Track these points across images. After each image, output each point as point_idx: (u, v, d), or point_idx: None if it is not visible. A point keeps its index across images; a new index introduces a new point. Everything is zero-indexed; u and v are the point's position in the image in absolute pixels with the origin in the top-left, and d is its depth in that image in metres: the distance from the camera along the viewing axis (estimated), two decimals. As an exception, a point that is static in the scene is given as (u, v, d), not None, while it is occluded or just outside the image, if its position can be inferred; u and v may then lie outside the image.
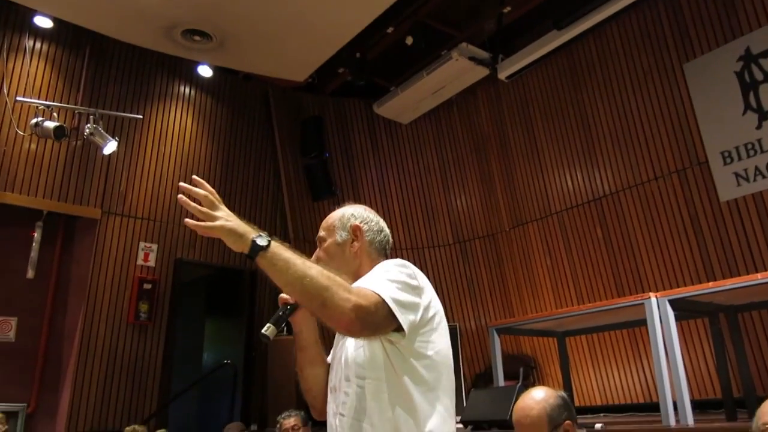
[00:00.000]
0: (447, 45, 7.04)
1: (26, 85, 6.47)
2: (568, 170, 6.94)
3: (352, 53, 7.03)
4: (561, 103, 7.03)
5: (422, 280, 1.66)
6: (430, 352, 1.60)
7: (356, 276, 1.72)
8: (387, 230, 1.92)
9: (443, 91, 7.39)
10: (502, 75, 6.94)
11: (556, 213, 7.01)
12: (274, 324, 1.60)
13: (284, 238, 7.98)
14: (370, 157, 8.35)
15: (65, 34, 6.74)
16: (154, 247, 7.03)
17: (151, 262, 6.98)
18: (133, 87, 7.21)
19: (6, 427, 5.78)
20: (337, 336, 1.80)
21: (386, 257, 1.85)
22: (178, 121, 7.53)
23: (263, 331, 1.59)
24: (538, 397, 2.31)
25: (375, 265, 1.73)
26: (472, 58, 6.82)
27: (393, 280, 1.57)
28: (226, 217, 1.50)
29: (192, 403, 7.83)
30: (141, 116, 7.04)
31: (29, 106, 6.35)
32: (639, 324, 4.66)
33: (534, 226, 7.23)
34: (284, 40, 6.69)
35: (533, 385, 5.67)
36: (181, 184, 1.54)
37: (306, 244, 7.79)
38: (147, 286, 6.83)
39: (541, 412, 2.26)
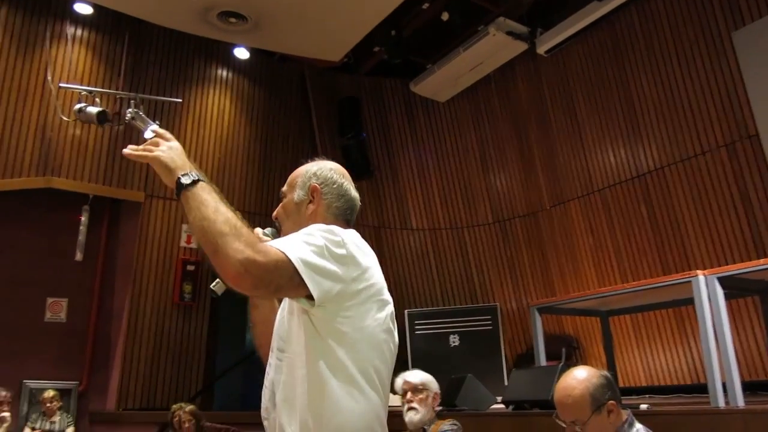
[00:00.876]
0: (484, 20, 6.90)
1: (69, 71, 6.61)
2: (611, 146, 6.77)
3: (387, 31, 6.95)
4: (603, 76, 6.83)
5: (354, 250, 1.53)
6: (347, 329, 1.49)
7: None
8: (352, 196, 1.78)
9: (481, 67, 7.27)
10: (541, 49, 6.78)
11: (599, 190, 6.86)
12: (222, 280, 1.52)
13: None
14: (407, 137, 8.29)
15: (105, 20, 6.85)
16: (196, 229, 7.14)
17: (194, 244, 7.10)
18: (171, 71, 7.29)
19: (60, 404, 6.01)
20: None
21: (348, 226, 1.69)
22: (215, 104, 7.60)
23: (211, 286, 1.58)
24: (580, 377, 2.26)
25: None
26: (509, 33, 6.68)
27: (310, 243, 1.45)
28: (166, 150, 1.51)
29: (237, 382, 7.99)
30: (180, 100, 7.12)
31: (72, 92, 6.48)
32: (686, 303, 4.54)
33: (576, 204, 7.09)
34: (319, 19, 6.66)
35: (576, 365, 5.62)
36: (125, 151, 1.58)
37: (345, 225, 7.80)
38: (190, 268, 6.96)
39: (584, 391, 2.21)
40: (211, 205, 1.41)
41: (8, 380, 5.69)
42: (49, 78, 6.47)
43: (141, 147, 1.54)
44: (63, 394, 6.22)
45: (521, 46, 6.87)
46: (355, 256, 1.52)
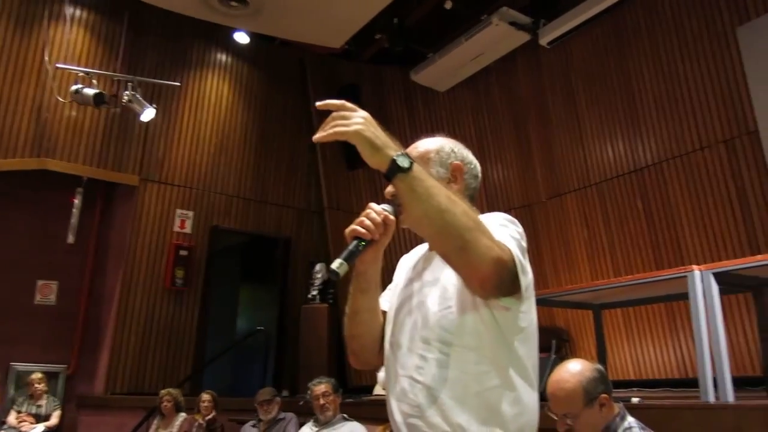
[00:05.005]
0: (487, 9, 6.83)
1: (66, 52, 6.54)
2: (610, 140, 6.74)
3: (389, 19, 6.90)
4: (604, 69, 6.79)
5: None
6: (525, 324, 1.44)
7: None
8: (480, 176, 1.67)
9: (482, 57, 7.21)
10: (544, 41, 6.72)
11: (596, 184, 6.83)
12: (345, 260, 1.38)
13: (318, 207, 8.03)
14: (405, 125, 8.24)
15: (104, 1, 6.77)
16: (190, 214, 7.11)
17: (188, 229, 7.07)
18: (170, 54, 7.23)
19: (47, 387, 5.98)
20: (401, 287, 1.62)
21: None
22: (214, 89, 7.54)
23: (333, 266, 1.35)
24: (573, 370, 2.25)
25: None
26: (512, 23, 6.62)
27: (513, 237, 1.37)
28: (363, 123, 1.30)
29: (226, 368, 7.99)
30: (179, 84, 7.06)
31: (69, 73, 6.42)
32: (679, 298, 4.53)
33: (572, 197, 7.06)
34: (321, 5, 6.59)
35: (565, 358, 5.60)
36: (317, 104, 1.37)
37: (340, 213, 7.78)
38: (183, 253, 6.93)
39: (576, 385, 2.21)
40: (443, 193, 1.28)
41: (-4, 362, 5.67)
42: (46, 58, 6.40)
43: (329, 123, 1.32)
44: (50, 377, 6.21)
45: (524, 37, 6.81)
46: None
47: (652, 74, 6.35)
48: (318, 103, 1.36)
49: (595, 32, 6.82)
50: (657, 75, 6.31)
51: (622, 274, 6.27)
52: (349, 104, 1.34)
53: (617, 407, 2.26)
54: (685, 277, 3.54)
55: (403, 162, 1.27)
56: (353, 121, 1.31)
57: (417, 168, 1.28)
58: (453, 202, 1.27)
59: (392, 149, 1.29)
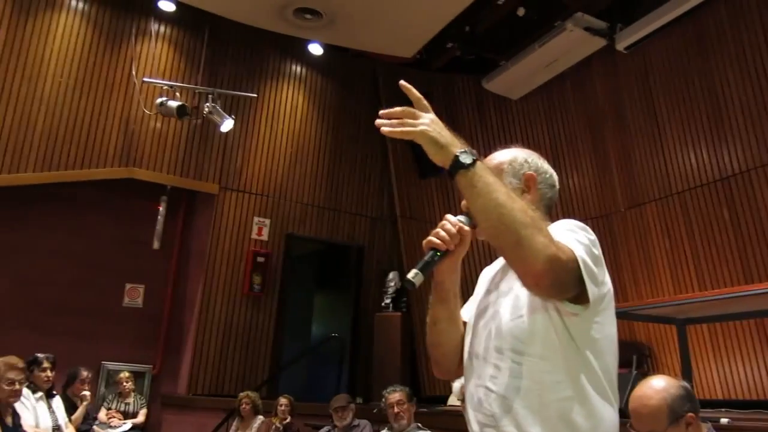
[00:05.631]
0: (561, 15, 6.71)
1: (152, 66, 6.88)
2: (692, 147, 6.47)
3: (461, 27, 6.89)
4: (686, 74, 6.54)
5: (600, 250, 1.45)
6: (599, 336, 1.41)
7: None
8: (557, 186, 1.67)
9: (556, 64, 7.10)
10: (621, 46, 6.55)
11: (678, 193, 6.57)
12: (421, 270, 1.41)
13: (391, 215, 8.08)
14: (477, 134, 8.19)
15: (186, 17, 7.08)
16: (267, 221, 7.31)
17: (264, 236, 7.27)
18: (247, 66, 7.47)
19: (134, 385, 6.27)
20: (480, 297, 1.63)
21: (551, 219, 1.58)
22: (289, 99, 7.74)
23: (409, 276, 1.39)
24: (658, 386, 2.17)
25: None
26: (587, 29, 6.49)
27: (581, 242, 1.36)
28: (429, 123, 1.37)
29: (301, 373, 8.13)
30: (256, 95, 7.28)
31: (154, 86, 6.75)
32: (771, 314, 4.30)
33: (652, 206, 6.82)
34: (393, 15, 6.67)
35: (647, 374, 5.40)
36: (381, 113, 1.42)
37: (412, 222, 7.81)
38: (260, 259, 7.12)
39: (661, 402, 2.12)
40: (502, 190, 1.32)
41: (89, 360, 5.99)
42: (134, 73, 6.75)
43: (398, 121, 1.39)
44: (137, 376, 6.50)
45: (599, 43, 6.67)
46: (602, 257, 1.43)
47: (738, 77, 6.07)
48: (382, 112, 1.42)
49: (675, 35, 6.58)
50: (743, 78, 6.03)
51: (707, 288, 6.00)
52: (421, 103, 1.41)
53: (705, 428, 2.17)
54: (778, 292, 3.36)
55: (466, 159, 1.32)
56: (420, 121, 1.37)
57: (480, 165, 1.33)
58: (512, 199, 1.30)
59: (456, 147, 1.34)
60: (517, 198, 1.33)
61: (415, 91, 1.42)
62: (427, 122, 1.37)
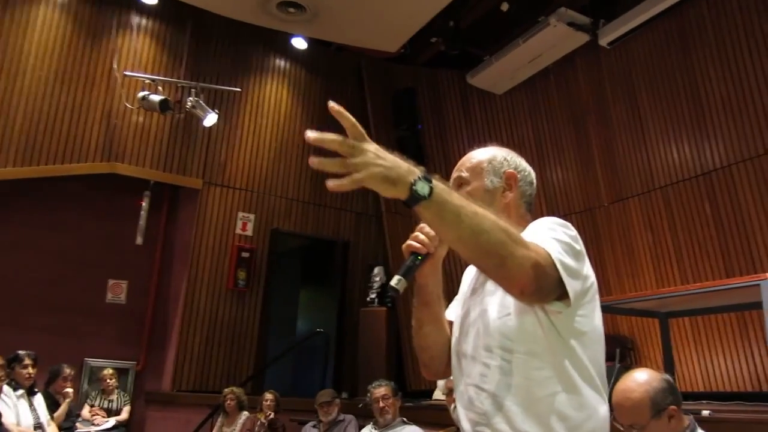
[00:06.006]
0: (544, 10, 6.73)
1: (133, 60, 6.80)
2: (675, 142, 6.53)
3: (445, 22, 6.89)
4: (668, 69, 6.58)
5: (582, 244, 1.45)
6: (586, 329, 1.43)
7: None
8: (535, 183, 1.69)
9: (540, 59, 7.11)
10: (604, 41, 6.58)
11: (660, 188, 6.63)
12: (404, 276, 1.41)
13: (376, 210, 8.08)
14: (462, 129, 8.21)
15: (168, 10, 7.01)
16: (252, 217, 7.28)
17: (249, 232, 7.23)
18: (231, 60, 7.42)
19: (117, 383, 6.22)
20: (465, 296, 1.63)
21: (530, 215, 1.62)
22: (273, 94, 7.70)
23: (392, 283, 1.38)
24: (640, 380, 2.19)
25: (522, 222, 1.54)
26: (571, 24, 6.50)
27: (559, 241, 1.37)
28: (374, 160, 1.19)
29: (286, 369, 8.12)
30: (239, 89, 7.23)
31: (136, 80, 6.67)
32: (752, 307, 4.36)
33: (635, 201, 6.87)
34: (377, 10, 6.65)
35: (630, 367, 5.45)
36: (308, 134, 1.23)
37: (398, 217, 7.81)
38: (245, 255, 7.10)
39: (643, 395, 2.15)
40: (469, 212, 1.23)
41: (71, 357, 5.94)
42: (115, 66, 6.67)
43: (342, 170, 1.20)
44: (121, 373, 6.45)
45: (583, 38, 6.69)
46: (584, 251, 1.44)
47: (719, 74, 6.12)
48: (312, 136, 1.24)
49: (658, 31, 6.63)
50: (724, 74, 6.08)
51: (689, 282, 6.06)
52: (351, 137, 1.21)
53: (687, 420, 2.20)
54: (758, 285, 3.41)
55: (423, 189, 1.19)
56: (362, 160, 1.18)
57: (438, 191, 1.21)
58: (482, 218, 1.23)
59: (408, 176, 1.19)
60: (486, 211, 1.26)
61: (348, 115, 1.22)
62: (370, 159, 1.19)
